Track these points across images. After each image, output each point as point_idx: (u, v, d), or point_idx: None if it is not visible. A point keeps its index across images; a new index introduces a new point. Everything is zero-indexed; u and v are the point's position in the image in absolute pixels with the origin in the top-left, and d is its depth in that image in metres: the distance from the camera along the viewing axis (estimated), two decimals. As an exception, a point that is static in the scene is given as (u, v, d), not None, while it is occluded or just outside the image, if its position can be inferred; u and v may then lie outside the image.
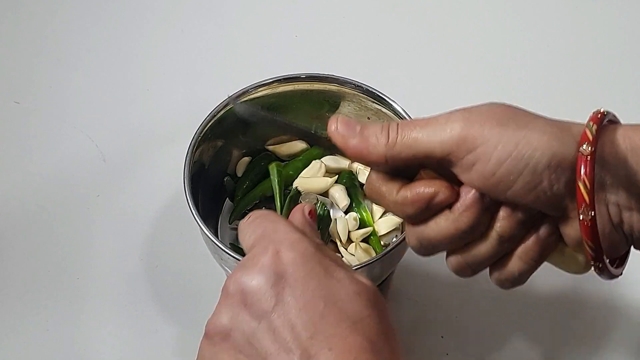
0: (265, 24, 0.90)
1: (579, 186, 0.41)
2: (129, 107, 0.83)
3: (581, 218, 0.42)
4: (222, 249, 0.56)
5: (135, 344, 0.67)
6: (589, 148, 0.41)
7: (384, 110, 0.63)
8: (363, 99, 0.64)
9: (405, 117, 0.61)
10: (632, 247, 0.47)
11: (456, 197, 0.45)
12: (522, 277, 0.47)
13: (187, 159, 0.60)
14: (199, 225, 0.57)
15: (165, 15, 0.91)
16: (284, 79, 0.64)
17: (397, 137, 0.45)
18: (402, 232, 0.64)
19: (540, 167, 0.42)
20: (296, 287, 0.41)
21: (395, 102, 0.62)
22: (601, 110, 0.44)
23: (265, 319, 0.40)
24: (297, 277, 0.41)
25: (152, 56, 0.87)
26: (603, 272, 0.44)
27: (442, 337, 0.67)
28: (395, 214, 0.48)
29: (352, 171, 0.68)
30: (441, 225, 0.46)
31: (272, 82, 0.64)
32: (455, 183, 0.46)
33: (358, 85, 0.63)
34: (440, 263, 0.71)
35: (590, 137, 0.42)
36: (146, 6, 0.92)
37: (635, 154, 0.43)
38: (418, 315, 0.69)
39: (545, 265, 0.72)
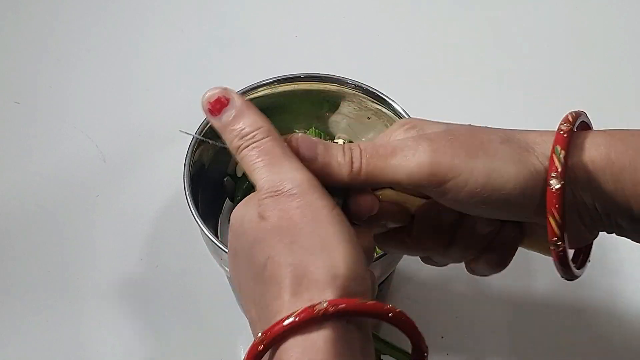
0: (265, 24, 0.90)
1: (549, 220, 0.41)
2: (129, 107, 0.83)
3: (552, 248, 0.42)
4: (222, 249, 0.56)
5: (135, 344, 0.67)
6: (558, 183, 0.41)
7: (384, 110, 0.63)
8: (363, 99, 0.64)
9: (405, 117, 0.61)
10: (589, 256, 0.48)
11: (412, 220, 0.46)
12: (494, 272, 0.48)
13: (187, 159, 0.60)
14: (199, 225, 0.57)
15: (165, 15, 0.91)
16: (284, 79, 0.64)
17: (361, 167, 0.43)
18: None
19: (513, 198, 0.42)
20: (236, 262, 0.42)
21: (395, 102, 0.62)
22: (566, 126, 0.42)
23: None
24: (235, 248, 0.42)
25: (152, 56, 0.87)
26: (571, 279, 0.45)
27: (442, 337, 0.67)
28: None
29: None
30: (404, 242, 0.47)
31: (272, 82, 0.64)
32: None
33: (358, 85, 0.63)
34: (440, 263, 0.71)
35: (559, 168, 0.41)
36: (146, 6, 0.92)
37: (601, 178, 0.43)
38: (418, 315, 0.68)
39: (546, 266, 0.72)
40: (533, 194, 0.42)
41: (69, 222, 0.73)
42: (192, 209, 0.57)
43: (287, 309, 0.37)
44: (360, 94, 0.64)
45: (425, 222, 0.46)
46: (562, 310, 0.69)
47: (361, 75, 0.64)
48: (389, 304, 0.39)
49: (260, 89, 0.64)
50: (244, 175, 0.68)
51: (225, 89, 0.43)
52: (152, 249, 0.72)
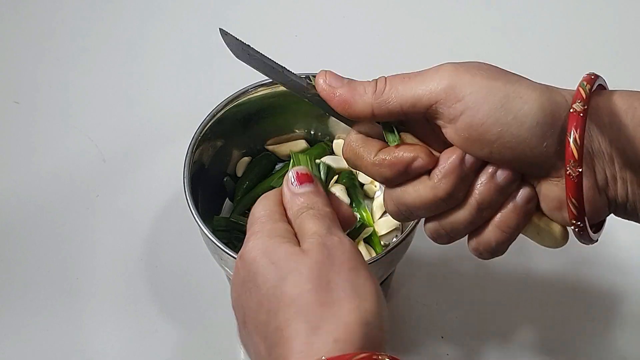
0: (266, 24, 0.90)
1: (568, 141, 0.41)
2: (129, 107, 0.83)
3: (568, 173, 0.41)
4: (222, 249, 0.56)
5: (135, 344, 0.67)
6: (582, 105, 0.41)
7: (384, 110, 0.63)
8: (363, 99, 0.64)
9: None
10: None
11: (435, 163, 0.45)
12: (499, 247, 0.47)
13: (187, 159, 0.60)
14: (199, 225, 0.57)
15: (165, 15, 0.91)
16: (284, 79, 0.64)
17: (384, 87, 0.45)
18: (402, 232, 0.64)
19: (530, 121, 0.42)
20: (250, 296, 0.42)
21: (395, 102, 0.62)
22: (594, 73, 0.44)
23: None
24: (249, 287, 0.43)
25: (152, 56, 0.87)
26: (583, 232, 0.43)
27: (442, 337, 0.67)
28: (372, 176, 0.47)
29: (352, 171, 0.68)
30: (419, 191, 0.45)
31: (272, 82, 0.64)
32: (437, 148, 0.46)
33: (358, 85, 0.63)
34: (440, 264, 0.71)
35: (584, 96, 0.42)
36: (146, 6, 0.92)
37: (623, 121, 0.43)
38: (418, 315, 0.69)
39: (546, 268, 0.72)
40: (552, 124, 0.42)
41: (69, 222, 0.73)
42: (192, 209, 0.58)
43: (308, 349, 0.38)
44: (360, 94, 0.64)
45: (449, 164, 0.45)
46: (563, 313, 0.69)
47: (361, 75, 0.64)
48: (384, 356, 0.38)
49: (260, 89, 0.64)
50: (244, 175, 0.68)
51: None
52: (152, 249, 0.72)
